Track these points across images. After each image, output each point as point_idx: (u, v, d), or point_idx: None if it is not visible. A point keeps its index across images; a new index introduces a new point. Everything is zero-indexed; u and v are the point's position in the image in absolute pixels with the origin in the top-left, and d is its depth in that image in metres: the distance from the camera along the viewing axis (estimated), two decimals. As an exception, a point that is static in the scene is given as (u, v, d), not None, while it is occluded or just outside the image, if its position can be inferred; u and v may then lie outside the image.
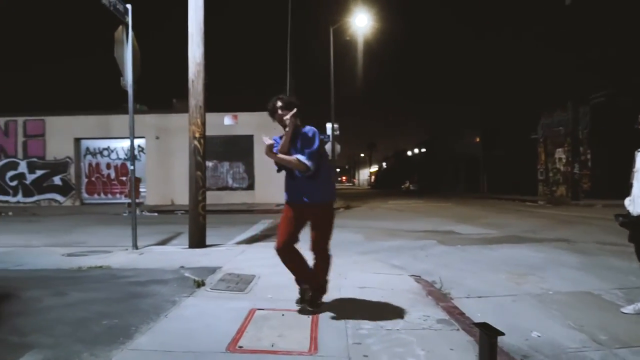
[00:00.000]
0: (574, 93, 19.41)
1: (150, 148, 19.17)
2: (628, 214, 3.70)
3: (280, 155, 3.12)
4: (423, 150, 51.26)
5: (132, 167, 6.33)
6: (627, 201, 3.72)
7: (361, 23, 19.29)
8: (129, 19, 6.08)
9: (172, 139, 18.79)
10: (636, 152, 3.74)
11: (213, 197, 18.91)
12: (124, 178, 19.39)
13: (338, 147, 20.58)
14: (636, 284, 4.43)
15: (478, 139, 32.51)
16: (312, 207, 3.22)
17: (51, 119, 19.22)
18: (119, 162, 19.50)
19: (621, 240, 7.06)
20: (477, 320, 3.25)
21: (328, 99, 19.82)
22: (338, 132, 20.29)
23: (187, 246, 6.31)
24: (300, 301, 3.35)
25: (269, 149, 3.07)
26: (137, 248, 6.19)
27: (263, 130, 20.89)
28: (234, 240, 7.80)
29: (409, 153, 58.32)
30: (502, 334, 2.23)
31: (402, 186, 52.51)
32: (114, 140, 19.15)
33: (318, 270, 3.33)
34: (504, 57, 25.81)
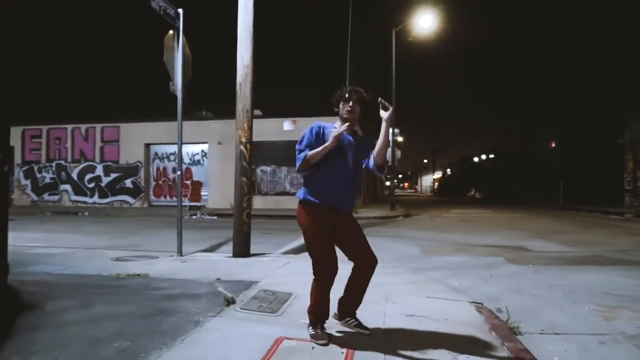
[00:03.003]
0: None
1: (212, 153, 19.72)
2: None
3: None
4: (491, 156, 48.34)
5: (178, 172, 6.27)
6: None
7: (425, 24, 18.43)
8: (180, 24, 6.03)
9: (232, 145, 19.11)
10: None
11: (271, 202, 19.08)
12: (188, 182, 20.11)
13: (398, 153, 19.82)
14: None
15: (554, 144, 29.91)
16: (345, 214, 2.88)
17: (125, 125, 20.48)
18: (183, 167, 20.27)
19: None
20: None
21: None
22: (399, 137, 19.52)
23: (232, 255, 6.11)
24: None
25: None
26: (181, 255, 6.10)
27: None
28: (281, 249, 7.51)
29: (476, 159, 55.33)
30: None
31: (468, 194, 49.86)
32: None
33: (364, 292, 2.98)
34: (586, 56, 23.50)
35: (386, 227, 12.14)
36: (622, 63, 19.12)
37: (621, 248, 7.80)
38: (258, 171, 19.32)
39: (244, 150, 5.97)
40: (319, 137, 2.83)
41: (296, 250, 7.40)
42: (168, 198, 20.37)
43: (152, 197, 20.49)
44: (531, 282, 5.16)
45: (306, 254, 7.28)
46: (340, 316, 3.04)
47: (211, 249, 7.35)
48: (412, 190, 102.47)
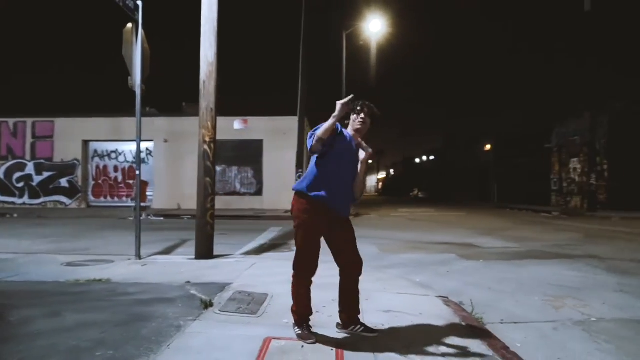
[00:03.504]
0: (592, 102, 18.89)
1: (158, 151, 18.94)
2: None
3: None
4: (432, 157, 50.66)
5: (138, 172, 6.00)
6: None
7: (375, 28, 18.97)
8: (139, 17, 5.77)
9: (181, 143, 18.55)
10: None
11: (221, 202, 18.57)
12: (131, 181, 19.14)
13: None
14: (691, 313, 3.99)
15: (489, 147, 31.98)
16: (339, 218, 2.94)
17: (60, 120, 19.07)
18: (126, 165, 19.27)
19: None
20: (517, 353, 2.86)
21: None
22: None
23: (194, 257, 5.95)
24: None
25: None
26: (140, 258, 5.85)
27: (273, 135, 20.50)
28: (242, 249, 7.43)
29: (417, 160, 57.70)
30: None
31: (411, 194, 51.86)
32: (123, 143, 18.95)
33: (358, 296, 3.06)
34: (518, 64, 25.36)
35: (340, 226, 12.34)
36: (553, 69, 20.88)
37: (556, 243, 8.56)
38: (207, 170, 18.85)
39: (208, 150, 5.84)
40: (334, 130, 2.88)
41: (256, 251, 7.35)
42: (109, 198, 19.27)
43: (91, 198, 19.27)
44: (485, 277, 5.54)
45: (270, 255, 7.29)
46: (344, 326, 3.03)
47: (167, 252, 7.10)
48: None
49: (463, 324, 3.39)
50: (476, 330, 3.28)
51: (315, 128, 2.83)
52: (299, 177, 16.03)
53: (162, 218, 15.14)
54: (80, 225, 11.64)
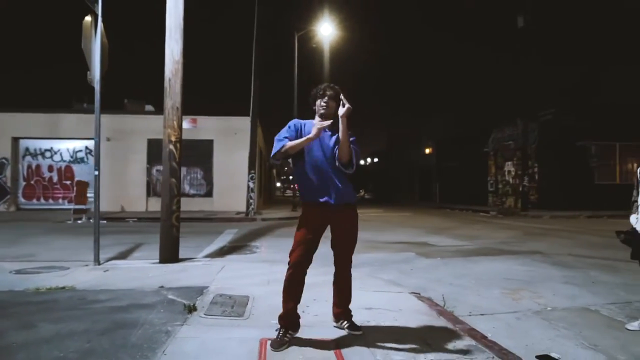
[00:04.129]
0: (524, 110, 20.49)
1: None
2: (633, 231, 3.72)
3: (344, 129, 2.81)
4: (376, 160, 52.16)
5: (96, 172, 5.71)
6: (632, 218, 3.74)
7: (326, 31, 19.25)
8: (99, 9, 5.46)
9: (124, 142, 17.65)
10: (638, 171, 3.79)
11: (168, 204, 17.96)
12: (68, 182, 17.87)
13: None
14: (627, 299, 4.51)
15: (431, 150, 33.54)
16: (337, 209, 2.93)
17: (-16, 115, 17.37)
18: (62, 165, 17.96)
19: (595, 253, 7.38)
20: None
21: (290, 106, 19.50)
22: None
23: (158, 261, 5.73)
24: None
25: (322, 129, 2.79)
26: (99, 263, 5.53)
27: (224, 135, 20.07)
28: (202, 252, 7.25)
29: (362, 162, 59.11)
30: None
31: (357, 195, 52.85)
32: (59, 141, 17.66)
33: (348, 291, 3.12)
34: (459, 71, 26.86)
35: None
36: (491, 79, 22.38)
37: (501, 240, 9.22)
38: (154, 171, 18.07)
39: (174, 150, 5.66)
40: (298, 131, 2.92)
41: (218, 254, 7.21)
42: (42, 200, 17.83)
43: (22, 200, 17.73)
44: (446, 273, 5.87)
45: (235, 258, 7.21)
46: (335, 319, 3.17)
47: (123, 256, 6.76)
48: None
49: (441, 317, 3.60)
50: (454, 322, 3.49)
51: (282, 134, 2.88)
52: (251, 178, 15.85)
53: (104, 221, 14.26)
54: (16, 230, 10.71)
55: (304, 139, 2.80)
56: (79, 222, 13.67)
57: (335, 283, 3.13)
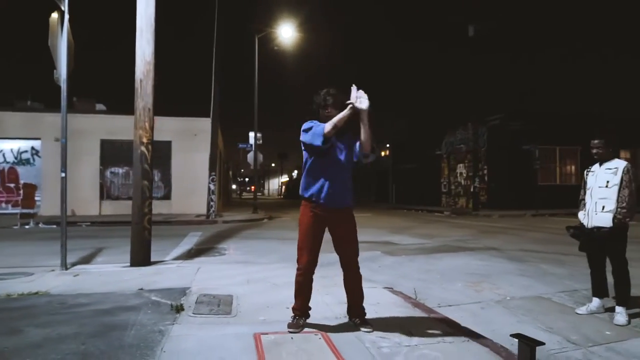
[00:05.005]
0: (474, 115, 21.67)
1: (47, 151, 16.85)
2: (581, 226, 4.18)
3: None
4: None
5: (63, 174, 5.51)
6: (581, 215, 4.20)
7: (286, 34, 19.37)
8: (66, 5, 5.31)
9: (75, 142, 16.71)
10: (585, 172, 4.26)
11: (123, 207, 17.25)
12: (11, 185, 16.78)
13: (260, 157, 20.28)
14: (574, 287, 5.02)
15: (387, 153, 34.54)
16: (340, 212, 3.10)
17: None
18: (6, 166, 16.82)
19: (543, 248, 8.05)
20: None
21: (251, 108, 19.45)
22: (261, 142, 19.98)
23: (129, 264, 5.63)
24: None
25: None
26: (67, 268, 5.36)
27: (183, 136, 19.60)
28: (170, 255, 7.17)
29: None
30: (542, 343, 2.35)
31: None
32: (1, 141, 16.54)
33: (359, 290, 3.31)
34: (414, 77, 27.90)
35: (260, 229, 12.44)
36: (446, 86, 23.54)
37: (458, 238, 9.78)
38: (107, 173, 17.38)
39: (146, 152, 5.60)
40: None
41: (186, 257, 7.16)
42: (-19, 205, 16.60)
43: (-42, 204, 16.42)
44: (411, 269, 6.21)
45: (207, 260, 7.23)
46: (350, 316, 3.35)
47: (87, 261, 6.57)
48: (260, 194, 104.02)
49: (416, 308, 3.88)
50: (429, 312, 3.78)
51: (313, 123, 3.01)
52: (212, 179, 15.65)
53: (54, 226, 13.56)
54: (-43, 237, 9.97)
55: (349, 111, 2.87)
56: (27, 227, 12.93)
57: (345, 285, 3.32)
